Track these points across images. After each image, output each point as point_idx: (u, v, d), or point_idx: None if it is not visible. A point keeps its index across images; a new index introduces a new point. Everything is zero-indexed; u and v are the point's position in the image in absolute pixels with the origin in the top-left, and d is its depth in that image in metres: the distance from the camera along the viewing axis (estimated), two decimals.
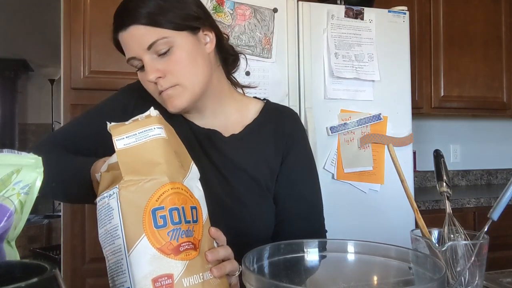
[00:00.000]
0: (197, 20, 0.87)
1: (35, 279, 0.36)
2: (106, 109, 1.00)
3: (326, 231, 1.01)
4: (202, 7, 0.91)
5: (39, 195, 0.57)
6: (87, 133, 0.97)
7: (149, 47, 0.82)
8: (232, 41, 1.85)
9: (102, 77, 1.98)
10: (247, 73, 1.83)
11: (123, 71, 1.99)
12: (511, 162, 3.21)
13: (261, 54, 1.87)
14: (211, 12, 1.85)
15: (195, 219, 0.62)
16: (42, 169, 0.57)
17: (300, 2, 1.96)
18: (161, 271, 0.57)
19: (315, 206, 0.99)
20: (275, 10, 1.91)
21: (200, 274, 0.60)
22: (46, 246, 4.01)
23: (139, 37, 0.82)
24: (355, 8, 2.02)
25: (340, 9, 2.00)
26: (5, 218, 0.52)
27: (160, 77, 0.84)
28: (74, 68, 1.96)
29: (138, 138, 0.62)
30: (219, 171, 0.92)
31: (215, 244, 0.68)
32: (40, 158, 0.57)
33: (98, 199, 0.63)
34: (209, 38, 0.90)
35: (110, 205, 0.60)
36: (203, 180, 0.75)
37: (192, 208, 0.62)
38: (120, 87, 1.04)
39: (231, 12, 1.86)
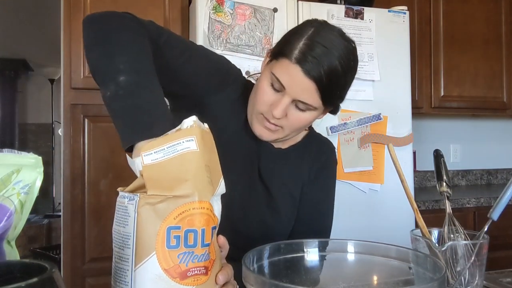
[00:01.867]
0: (337, 101, 0.90)
1: (35, 279, 0.36)
2: (217, 66, 0.95)
3: None
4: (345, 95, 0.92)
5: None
6: (185, 71, 0.89)
7: (300, 101, 0.83)
8: (232, 41, 1.85)
9: None
10: (247, 73, 1.83)
11: None
12: (511, 162, 3.21)
13: (261, 54, 1.87)
14: (211, 12, 1.85)
15: (213, 239, 0.61)
16: (42, 168, 0.57)
17: (300, 2, 1.96)
18: None
19: (323, 226, 1.05)
20: (275, 10, 1.91)
21: None
22: (46, 246, 4.00)
23: (305, 90, 0.82)
24: (355, 8, 2.02)
25: (340, 9, 2.00)
26: (5, 218, 0.52)
27: (280, 118, 0.85)
28: (74, 68, 1.96)
29: (166, 153, 0.59)
30: (264, 181, 0.98)
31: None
32: (40, 158, 0.57)
33: (119, 192, 0.61)
34: (323, 114, 0.94)
35: (127, 209, 0.58)
36: (251, 185, 0.84)
37: (213, 228, 0.60)
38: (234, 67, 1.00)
39: (231, 11, 1.86)
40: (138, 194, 0.57)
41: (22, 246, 3.78)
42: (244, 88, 0.98)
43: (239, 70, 1.01)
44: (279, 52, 0.84)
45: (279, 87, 0.84)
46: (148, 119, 0.67)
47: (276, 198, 0.97)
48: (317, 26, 0.84)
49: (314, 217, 1.03)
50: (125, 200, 0.58)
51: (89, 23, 0.77)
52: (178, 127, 0.62)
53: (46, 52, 4.56)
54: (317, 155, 1.04)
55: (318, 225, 1.03)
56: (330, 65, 0.80)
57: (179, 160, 0.58)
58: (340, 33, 0.84)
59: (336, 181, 1.08)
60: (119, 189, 0.61)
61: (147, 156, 0.59)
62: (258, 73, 1.00)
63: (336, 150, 1.10)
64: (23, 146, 5.03)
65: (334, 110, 0.93)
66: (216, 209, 0.62)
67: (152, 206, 0.56)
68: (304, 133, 1.05)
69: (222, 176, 0.65)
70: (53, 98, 5.01)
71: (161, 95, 0.72)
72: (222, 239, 0.66)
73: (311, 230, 1.00)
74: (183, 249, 0.56)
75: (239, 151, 0.96)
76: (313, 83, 0.80)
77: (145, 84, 0.71)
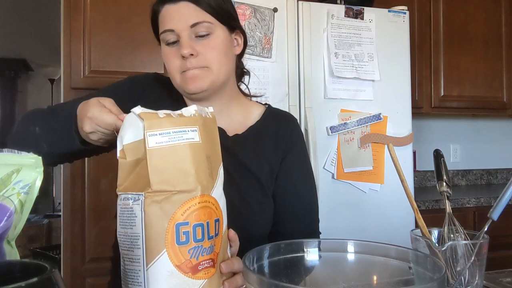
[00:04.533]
0: (235, 21, 0.95)
1: (35, 279, 0.36)
2: (123, 87, 1.01)
3: (320, 233, 1.03)
4: (237, 13, 0.99)
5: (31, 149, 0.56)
6: None
7: (192, 25, 0.87)
8: None
9: (102, 77, 1.98)
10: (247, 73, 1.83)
11: (123, 71, 1.99)
12: (511, 162, 3.21)
13: (261, 54, 1.87)
14: None
15: (217, 232, 0.61)
16: (42, 168, 0.57)
17: (300, 2, 1.96)
18: None
19: (310, 208, 1.02)
20: (275, 10, 1.91)
21: None
22: (46, 246, 4.00)
23: (186, 13, 0.87)
24: (355, 7, 2.02)
25: (340, 8, 2.00)
26: (5, 217, 0.52)
27: (192, 54, 0.87)
28: (74, 68, 1.96)
29: (172, 138, 0.58)
30: (225, 169, 0.92)
31: (228, 251, 0.67)
32: (40, 157, 0.57)
33: (119, 195, 0.60)
34: (237, 43, 0.98)
35: (133, 210, 0.58)
36: None
37: (216, 221, 0.60)
38: (143, 74, 1.06)
39: None
40: (143, 193, 0.57)
41: (22, 246, 3.78)
42: (161, 82, 1.01)
43: (146, 75, 1.04)
44: (152, 23, 0.93)
45: (172, 37, 0.88)
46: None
47: (239, 182, 0.93)
48: None
49: (292, 198, 0.98)
50: (129, 201, 0.58)
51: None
52: (179, 111, 0.61)
53: (46, 52, 4.56)
54: (278, 131, 1.00)
55: (300, 209, 0.99)
56: None
57: (183, 151, 0.58)
58: None
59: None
60: (118, 191, 0.60)
61: (153, 137, 0.57)
62: (258, 96, 1.09)
63: (297, 121, 1.07)
64: None
65: (233, 28, 0.95)
66: (221, 201, 0.63)
67: (158, 204, 0.56)
68: (259, 111, 1.02)
69: (221, 163, 0.66)
70: (53, 98, 5.01)
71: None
72: (232, 233, 0.66)
73: (293, 216, 0.98)
74: (192, 244, 0.57)
75: None
76: (185, 1, 0.87)
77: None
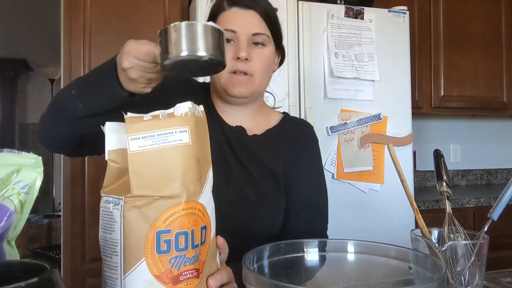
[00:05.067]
0: (282, 40, 1.03)
1: (35, 279, 0.36)
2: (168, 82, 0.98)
3: (327, 236, 1.03)
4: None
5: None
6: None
7: (254, 34, 0.94)
8: None
9: None
10: None
11: None
12: (511, 162, 3.21)
13: None
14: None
15: (203, 240, 0.58)
16: (42, 168, 0.57)
17: (300, 2, 1.96)
18: None
19: (320, 212, 1.04)
20: (275, 10, 1.91)
21: None
22: (46, 246, 4.00)
23: (251, 22, 0.94)
24: (355, 7, 2.01)
25: (340, 8, 2.00)
26: (5, 217, 0.52)
27: (247, 59, 0.93)
28: (74, 68, 1.96)
29: (156, 141, 0.54)
30: (243, 164, 0.98)
31: (217, 258, 0.64)
32: (40, 157, 0.57)
33: (102, 196, 0.58)
34: (277, 60, 1.06)
35: (113, 215, 0.55)
36: (228, 172, 0.86)
37: (202, 228, 0.57)
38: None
39: None
40: (123, 197, 0.54)
41: (22, 246, 3.78)
42: (194, 84, 1.07)
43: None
44: (211, 16, 0.97)
45: (231, 36, 0.93)
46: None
47: (256, 177, 0.97)
48: None
49: (303, 201, 1.01)
50: (109, 205, 0.55)
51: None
52: (171, 110, 0.57)
53: (46, 52, 4.55)
54: (295, 135, 1.05)
55: (310, 212, 1.02)
56: None
57: (169, 154, 0.54)
58: None
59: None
60: (102, 192, 0.57)
61: (134, 141, 0.53)
62: None
63: (313, 128, 1.12)
64: (23, 146, 5.03)
65: (280, 47, 1.02)
66: (209, 206, 0.59)
67: (138, 209, 0.53)
68: (277, 118, 1.08)
69: (211, 166, 0.62)
70: None
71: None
72: (221, 240, 0.64)
73: (303, 219, 1.00)
74: (174, 253, 0.54)
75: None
76: (254, 12, 0.94)
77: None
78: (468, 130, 3.11)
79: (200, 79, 1.28)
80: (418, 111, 2.55)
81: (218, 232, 0.65)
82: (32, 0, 3.82)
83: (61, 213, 2.03)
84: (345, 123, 1.96)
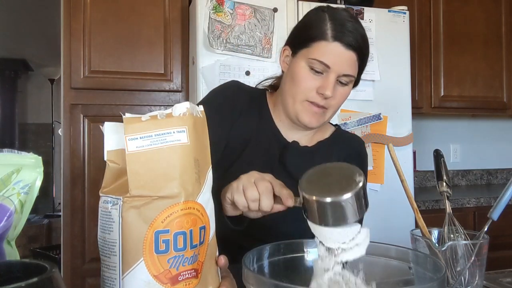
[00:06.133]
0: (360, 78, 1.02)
1: (35, 279, 0.36)
2: (219, 107, 1.01)
3: None
4: None
5: None
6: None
7: (344, 75, 0.93)
8: (232, 41, 1.85)
9: (102, 77, 1.98)
10: (247, 73, 1.83)
11: (123, 71, 1.99)
12: (511, 162, 3.20)
13: (261, 54, 1.87)
14: (211, 12, 1.85)
15: (202, 240, 0.58)
16: (42, 168, 0.57)
17: (300, 2, 1.96)
18: None
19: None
20: (275, 10, 1.91)
21: None
22: (46, 246, 4.00)
23: (347, 63, 0.92)
24: (355, 8, 2.01)
25: None
26: (5, 218, 0.52)
27: (332, 96, 0.93)
28: (74, 68, 1.96)
29: (154, 141, 0.54)
30: (290, 175, 0.97)
31: (218, 272, 0.63)
32: (40, 158, 0.57)
33: (101, 196, 0.58)
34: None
35: (111, 215, 0.55)
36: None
37: (201, 229, 0.57)
38: (222, 87, 1.06)
39: (231, 11, 1.86)
40: (121, 198, 0.54)
41: (22, 246, 3.78)
42: (248, 91, 1.05)
43: (231, 84, 1.05)
44: (308, 39, 0.93)
45: (322, 68, 0.92)
46: None
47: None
48: (327, 9, 0.96)
49: None
50: (108, 205, 0.55)
51: None
52: (169, 110, 0.57)
53: (46, 52, 4.56)
54: (346, 148, 1.06)
55: None
56: (362, 34, 0.93)
57: (167, 154, 0.54)
58: (344, 10, 0.98)
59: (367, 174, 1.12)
60: (101, 192, 0.58)
61: (132, 141, 0.54)
62: (266, 80, 1.11)
63: (364, 144, 1.13)
64: (23, 146, 5.03)
65: (356, 81, 1.01)
66: (208, 207, 0.59)
67: (137, 209, 0.53)
68: (331, 130, 1.09)
69: (210, 166, 0.62)
70: (53, 98, 5.01)
71: None
72: (223, 260, 0.63)
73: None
74: (173, 253, 0.54)
75: (258, 148, 1.00)
76: (354, 53, 0.92)
77: None
78: (468, 130, 3.11)
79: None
80: (418, 111, 2.55)
81: (249, 240, 0.65)
82: (32, 0, 3.82)
83: (61, 213, 2.03)
84: (345, 123, 1.96)
